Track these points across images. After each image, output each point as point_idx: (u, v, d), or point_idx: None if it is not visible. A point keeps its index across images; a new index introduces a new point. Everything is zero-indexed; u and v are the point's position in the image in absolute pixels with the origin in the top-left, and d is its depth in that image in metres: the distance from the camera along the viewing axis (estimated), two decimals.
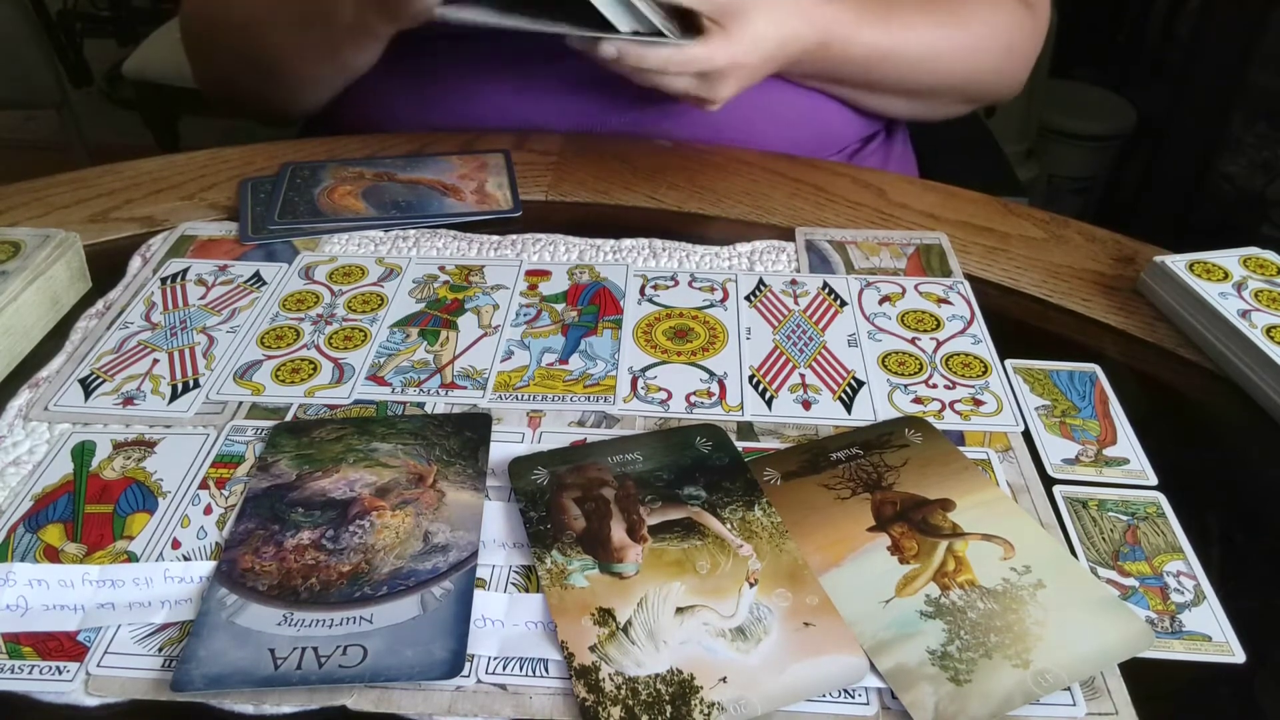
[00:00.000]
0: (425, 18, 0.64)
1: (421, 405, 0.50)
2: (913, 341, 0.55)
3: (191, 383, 0.51)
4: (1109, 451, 0.48)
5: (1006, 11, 0.76)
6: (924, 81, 0.76)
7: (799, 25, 0.67)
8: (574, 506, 0.44)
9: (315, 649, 0.37)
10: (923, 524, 0.43)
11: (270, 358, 0.53)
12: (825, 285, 0.60)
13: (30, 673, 0.37)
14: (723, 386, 0.52)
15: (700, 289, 0.60)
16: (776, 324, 0.57)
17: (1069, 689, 0.37)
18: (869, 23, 0.70)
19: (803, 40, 0.67)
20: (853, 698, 0.37)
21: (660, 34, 0.62)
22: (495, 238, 0.64)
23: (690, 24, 0.64)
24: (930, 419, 0.49)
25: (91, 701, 0.36)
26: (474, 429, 0.48)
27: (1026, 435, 0.49)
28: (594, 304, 0.58)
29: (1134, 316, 0.59)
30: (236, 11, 0.75)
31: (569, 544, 0.42)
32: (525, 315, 0.57)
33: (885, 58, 0.72)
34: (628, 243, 0.64)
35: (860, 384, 0.52)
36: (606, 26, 0.61)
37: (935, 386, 0.52)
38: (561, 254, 0.63)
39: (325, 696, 0.36)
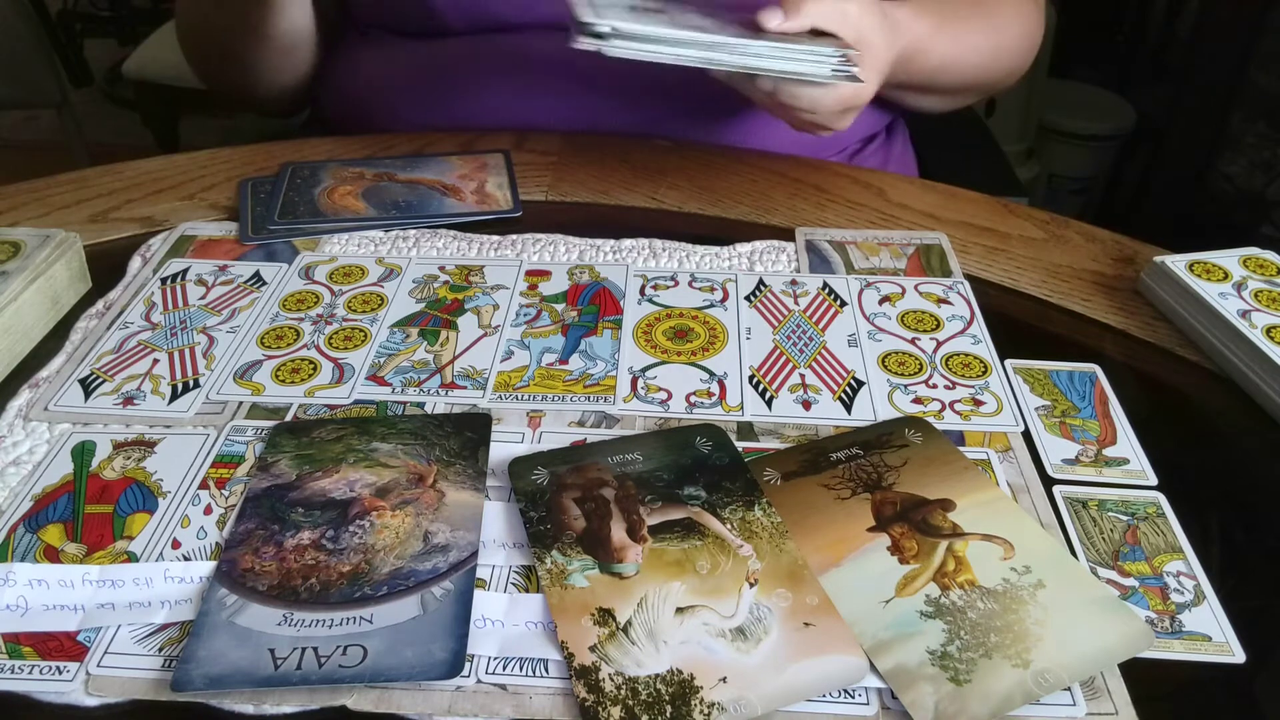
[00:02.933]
0: None
1: (421, 405, 0.50)
2: (913, 342, 0.55)
3: (191, 383, 0.51)
4: (1109, 451, 0.48)
5: (1025, 9, 0.78)
6: (968, 83, 0.78)
7: (904, 40, 0.65)
8: (574, 506, 0.44)
9: (315, 649, 0.37)
10: (923, 524, 0.43)
11: (270, 358, 0.53)
12: (825, 285, 0.60)
13: (30, 673, 0.37)
14: (723, 386, 0.52)
15: (700, 289, 0.60)
16: (776, 324, 0.57)
17: (1069, 689, 0.37)
18: (939, 34, 0.70)
19: (902, 53, 0.66)
20: (853, 698, 0.37)
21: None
22: (495, 238, 0.64)
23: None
24: (930, 419, 0.49)
25: (91, 701, 0.36)
26: (474, 429, 0.48)
27: (1026, 435, 0.49)
28: (594, 304, 0.58)
29: (1134, 316, 0.59)
30: (198, 10, 0.77)
31: (569, 544, 0.42)
32: (525, 315, 0.57)
33: (946, 66, 0.73)
34: (628, 243, 0.64)
35: (860, 384, 0.52)
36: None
37: (935, 386, 0.52)
38: (561, 254, 0.63)
39: (325, 696, 0.36)
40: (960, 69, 0.75)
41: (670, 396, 0.51)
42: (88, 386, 0.51)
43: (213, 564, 0.41)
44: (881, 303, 0.59)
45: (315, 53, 0.79)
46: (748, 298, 0.59)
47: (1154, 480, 0.46)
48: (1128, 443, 0.49)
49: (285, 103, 0.84)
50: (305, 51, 0.77)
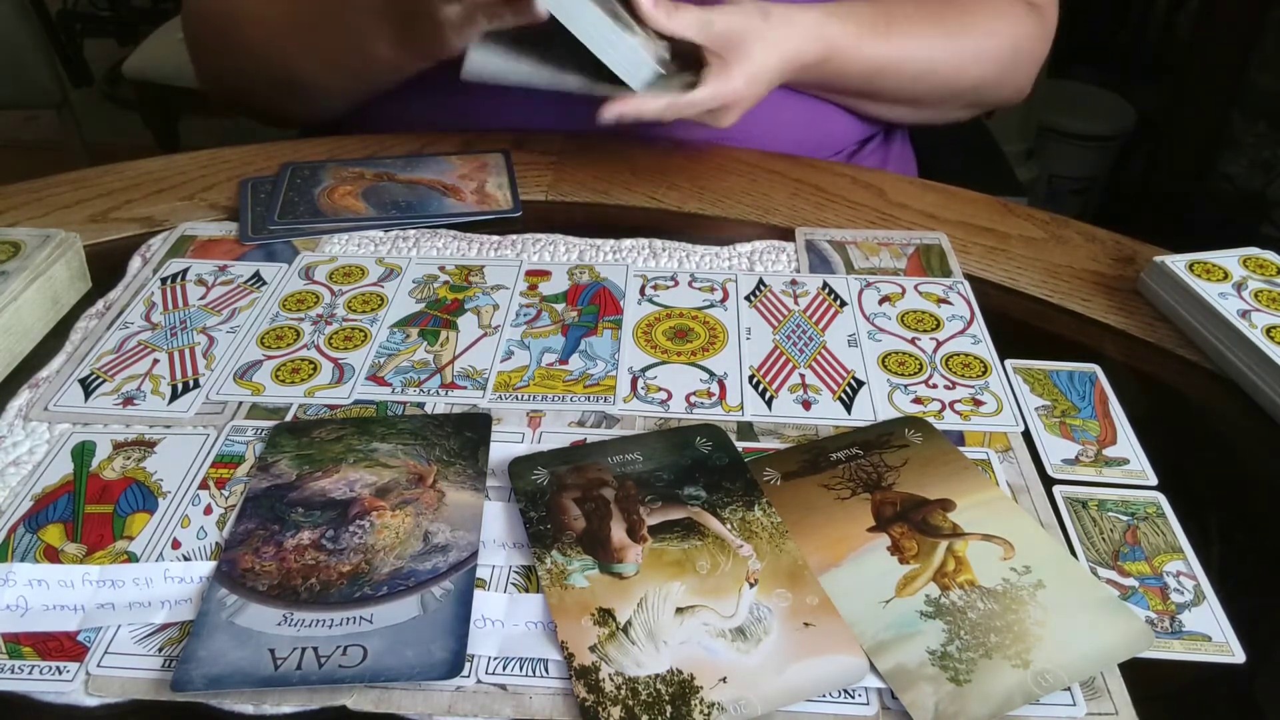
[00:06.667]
0: (458, 53, 0.66)
1: (421, 405, 0.50)
2: (913, 342, 0.55)
3: (191, 383, 0.51)
4: (1109, 451, 0.48)
5: (1013, 18, 0.76)
6: (926, 90, 0.77)
7: (800, 44, 0.66)
8: (574, 506, 0.44)
9: (315, 649, 0.37)
10: (923, 524, 0.43)
11: (270, 358, 0.53)
12: (825, 285, 0.60)
13: (30, 673, 0.37)
14: (723, 386, 0.52)
15: (700, 289, 0.60)
16: (776, 324, 0.57)
17: (1069, 689, 0.37)
18: (870, 36, 0.70)
19: (803, 58, 0.67)
20: (853, 698, 0.37)
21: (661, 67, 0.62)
22: (495, 238, 0.64)
23: (693, 55, 0.64)
24: (930, 419, 0.49)
25: (91, 701, 0.37)
26: (474, 429, 0.48)
27: (1026, 435, 0.49)
28: (594, 304, 0.58)
29: (1134, 316, 0.59)
30: (258, 28, 0.74)
31: (569, 544, 0.42)
32: (525, 315, 0.57)
33: (886, 70, 0.72)
34: (628, 243, 0.64)
35: (860, 384, 0.52)
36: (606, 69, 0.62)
37: (935, 386, 0.52)
38: (561, 254, 0.63)
39: (325, 696, 0.36)
40: (908, 75, 0.74)
41: (670, 396, 0.51)
42: (88, 386, 0.51)
43: (213, 564, 0.41)
44: (881, 303, 0.59)
45: None
46: (748, 298, 0.59)
47: (1154, 480, 0.46)
48: (1128, 443, 0.49)
49: (313, 124, 0.83)
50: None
